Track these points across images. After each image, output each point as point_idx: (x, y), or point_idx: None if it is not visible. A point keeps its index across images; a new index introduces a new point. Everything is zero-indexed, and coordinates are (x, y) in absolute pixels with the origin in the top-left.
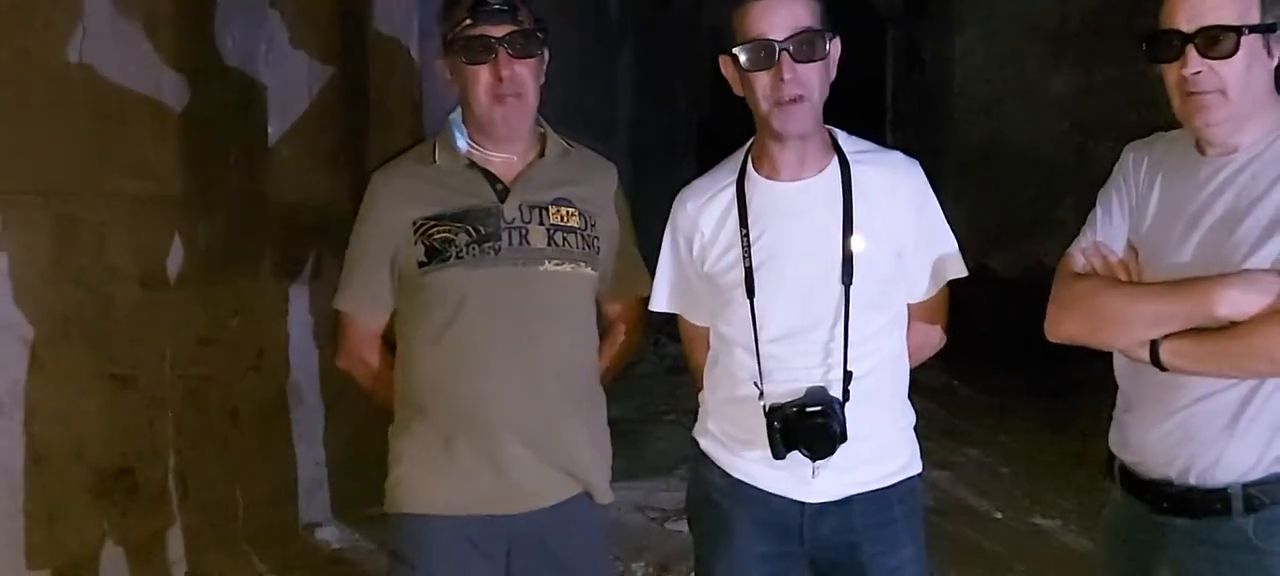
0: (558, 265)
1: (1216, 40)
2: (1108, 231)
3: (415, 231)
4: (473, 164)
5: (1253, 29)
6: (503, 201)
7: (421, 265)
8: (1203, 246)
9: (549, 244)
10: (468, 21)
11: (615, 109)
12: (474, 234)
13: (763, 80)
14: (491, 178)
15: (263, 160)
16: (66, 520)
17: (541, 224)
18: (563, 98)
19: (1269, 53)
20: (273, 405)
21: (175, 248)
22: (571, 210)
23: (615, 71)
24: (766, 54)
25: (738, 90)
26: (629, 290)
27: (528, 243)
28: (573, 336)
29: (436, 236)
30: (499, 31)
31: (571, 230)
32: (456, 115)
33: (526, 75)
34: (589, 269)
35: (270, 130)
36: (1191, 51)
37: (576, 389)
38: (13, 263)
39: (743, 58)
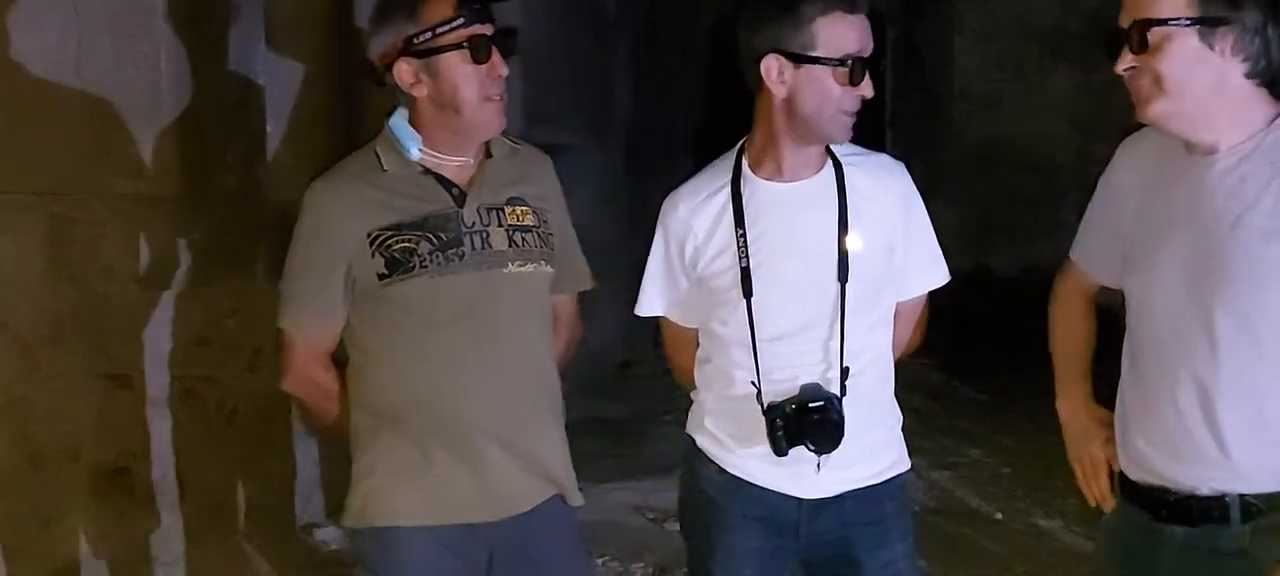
0: (520, 266)
1: (1139, 36)
2: (1094, 247)
3: (371, 243)
4: (427, 170)
5: (1190, 22)
6: (461, 206)
7: (382, 277)
8: (1193, 248)
9: (510, 245)
10: (459, 20)
11: (612, 108)
12: (436, 241)
13: (839, 91)
14: (447, 182)
15: (259, 160)
16: (63, 520)
17: (500, 225)
18: (560, 97)
19: (1214, 47)
20: (269, 405)
21: (172, 248)
22: (526, 208)
23: (612, 71)
24: (859, 69)
25: (780, 93)
26: (575, 284)
27: (490, 245)
28: (538, 336)
29: (396, 247)
30: (490, 29)
31: (528, 228)
32: (400, 121)
33: (507, 73)
34: (548, 266)
35: (268, 130)
36: (1125, 48)
37: (545, 389)
38: (8, 262)
39: (839, 70)
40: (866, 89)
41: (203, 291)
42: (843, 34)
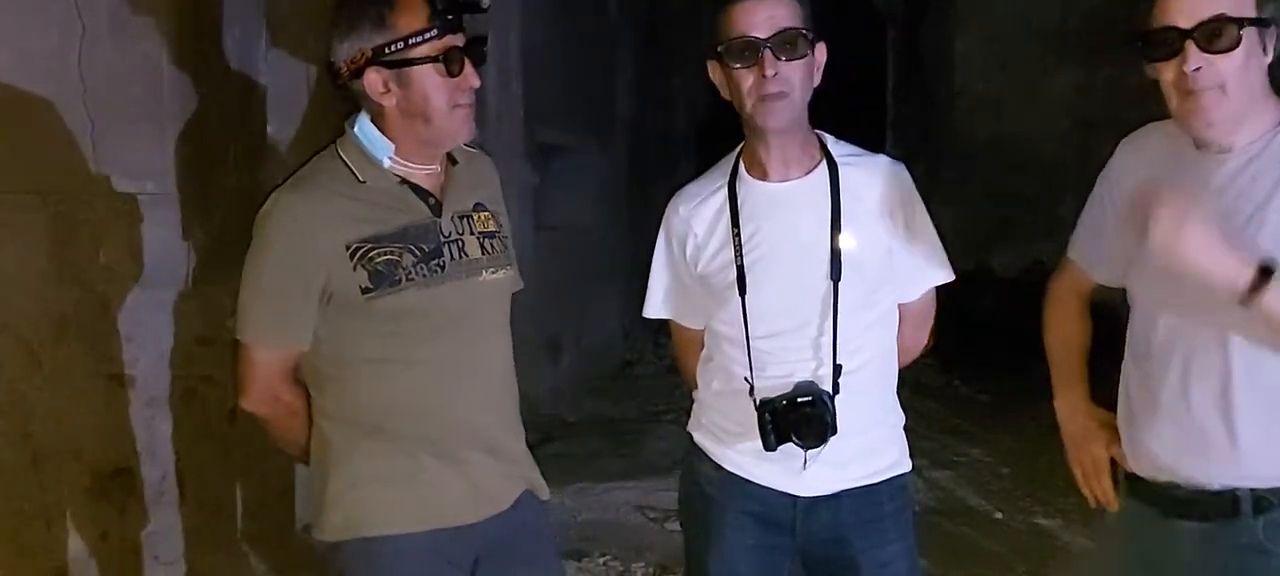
0: (493, 273)
1: (1218, 33)
2: (1094, 246)
3: (352, 256)
4: (403, 180)
5: (1251, 22)
6: (438, 215)
7: (366, 291)
8: None
9: (483, 252)
10: (432, 32)
11: (612, 108)
12: (418, 253)
13: (742, 77)
14: (422, 192)
15: (261, 159)
16: (64, 520)
17: (472, 233)
18: (560, 97)
19: (1264, 49)
20: None
21: (173, 247)
22: (488, 214)
23: (612, 71)
24: (750, 51)
25: (725, 94)
26: (516, 285)
27: (466, 254)
28: (506, 339)
29: (378, 260)
30: (462, 40)
31: (493, 234)
32: (368, 129)
33: (479, 84)
34: (512, 270)
35: (269, 129)
36: (1191, 46)
37: (513, 390)
38: (10, 262)
39: (727, 56)
40: (768, 68)
41: (204, 291)
42: (728, 21)
